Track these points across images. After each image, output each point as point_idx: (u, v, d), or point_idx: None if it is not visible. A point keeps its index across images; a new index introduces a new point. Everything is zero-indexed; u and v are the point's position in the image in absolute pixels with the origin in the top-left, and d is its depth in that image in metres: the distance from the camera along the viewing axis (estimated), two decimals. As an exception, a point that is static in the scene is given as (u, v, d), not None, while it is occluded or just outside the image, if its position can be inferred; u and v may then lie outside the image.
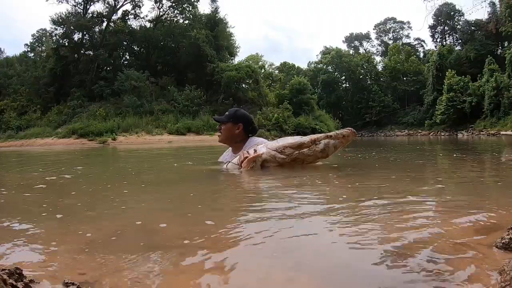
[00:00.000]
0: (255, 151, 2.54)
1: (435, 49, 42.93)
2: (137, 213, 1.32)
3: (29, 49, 40.86)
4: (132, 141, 20.34)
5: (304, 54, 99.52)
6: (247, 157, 2.50)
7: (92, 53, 28.63)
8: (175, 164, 4.07)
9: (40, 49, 39.55)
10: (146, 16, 31.39)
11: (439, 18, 43.84)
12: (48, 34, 32.83)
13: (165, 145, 15.29)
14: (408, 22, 52.74)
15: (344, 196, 1.56)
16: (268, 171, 2.42)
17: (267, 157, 2.49)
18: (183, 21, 31.34)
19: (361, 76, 47.27)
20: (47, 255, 0.86)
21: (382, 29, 53.96)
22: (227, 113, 3.09)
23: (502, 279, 0.63)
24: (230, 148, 3.08)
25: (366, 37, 55.12)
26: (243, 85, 28.66)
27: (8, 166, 4.78)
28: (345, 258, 0.79)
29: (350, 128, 2.63)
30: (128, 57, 31.69)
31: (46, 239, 0.99)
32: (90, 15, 29.14)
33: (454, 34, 44.59)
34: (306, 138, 2.53)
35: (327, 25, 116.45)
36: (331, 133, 2.60)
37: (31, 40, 42.06)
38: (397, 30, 53.24)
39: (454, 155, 4.74)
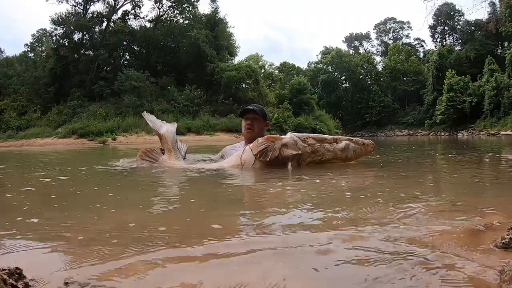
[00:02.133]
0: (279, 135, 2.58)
1: (435, 49, 42.92)
2: (136, 214, 1.32)
3: (29, 49, 40.85)
4: (132, 141, 20.33)
5: (304, 54, 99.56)
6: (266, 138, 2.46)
7: (92, 53, 28.58)
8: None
9: (40, 49, 39.52)
10: (146, 16, 31.35)
11: (439, 18, 43.82)
12: (48, 34, 32.80)
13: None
14: (408, 22, 52.78)
15: (344, 195, 1.56)
16: (267, 170, 2.41)
17: (289, 141, 2.47)
18: (183, 21, 31.32)
19: (361, 76, 47.26)
20: (46, 256, 0.86)
21: (382, 29, 53.94)
22: (256, 108, 2.88)
23: (502, 279, 0.63)
24: (239, 144, 3.01)
25: (366, 37, 55.12)
26: (243, 85, 28.65)
27: (5, 167, 4.78)
28: (344, 260, 0.79)
29: (371, 141, 2.75)
30: (128, 57, 31.65)
31: (45, 240, 0.99)
32: (90, 15, 29.11)
33: (454, 34, 44.57)
34: (329, 136, 2.66)
35: (327, 25, 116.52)
36: (352, 138, 2.73)
37: (31, 40, 42.07)
38: (397, 30, 53.24)
39: (451, 154, 4.73)
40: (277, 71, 47.72)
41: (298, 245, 0.86)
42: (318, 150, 2.51)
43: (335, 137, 2.65)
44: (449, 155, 4.78)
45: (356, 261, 0.77)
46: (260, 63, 45.08)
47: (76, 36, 28.65)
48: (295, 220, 1.13)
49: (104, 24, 29.43)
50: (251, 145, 2.54)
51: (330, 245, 0.85)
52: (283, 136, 2.51)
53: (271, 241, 0.90)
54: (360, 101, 44.86)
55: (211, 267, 0.76)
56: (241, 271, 0.73)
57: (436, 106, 34.13)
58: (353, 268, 0.74)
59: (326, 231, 0.98)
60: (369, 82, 47.22)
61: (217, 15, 30.49)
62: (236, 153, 2.69)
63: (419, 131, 36.51)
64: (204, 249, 0.85)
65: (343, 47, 52.83)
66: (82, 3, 28.91)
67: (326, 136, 2.64)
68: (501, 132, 22.35)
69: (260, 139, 2.48)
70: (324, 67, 48.51)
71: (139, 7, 30.28)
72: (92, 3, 29.18)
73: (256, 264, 0.76)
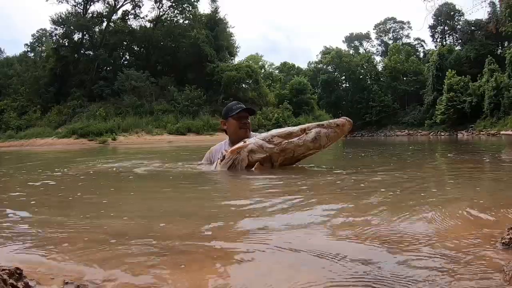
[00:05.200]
0: (244, 141, 2.42)
1: (435, 49, 42.88)
2: (133, 214, 1.32)
3: (29, 49, 40.92)
4: (132, 141, 20.34)
5: (304, 54, 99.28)
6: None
7: (92, 53, 28.61)
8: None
9: (40, 49, 39.55)
10: (146, 16, 31.36)
11: (439, 18, 43.79)
12: (48, 34, 32.85)
13: (165, 145, 15.31)
14: (408, 22, 52.63)
15: (341, 194, 1.56)
16: (260, 172, 2.40)
17: (254, 147, 2.34)
18: (183, 21, 31.33)
19: (361, 76, 47.20)
20: (46, 256, 0.86)
21: (382, 29, 53.88)
22: (243, 106, 2.79)
23: (502, 279, 0.63)
24: (223, 142, 2.94)
25: (366, 37, 55.03)
26: (243, 85, 28.66)
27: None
28: (344, 255, 0.79)
29: (345, 117, 2.46)
30: (128, 57, 31.67)
31: (44, 240, 0.99)
32: (90, 15, 29.13)
33: (454, 34, 44.54)
34: (296, 128, 2.43)
35: (327, 25, 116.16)
36: (323, 122, 2.46)
37: (31, 40, 42.14)
38: (397, 30, 53.16)
39: (450, 154, 4.74)
40: (277, 71, 47.71)
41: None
42: (287, 148, 2.34)
43: (303, 127, 2.41)
44: (451, 154, 4.77)
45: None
46: (260, 63, 45.11)
47: (76, 36, 28.70)
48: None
49: (104, 24, 29.47)
50: (219, 161, 2.51)
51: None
52: (247, 143, 2.39)
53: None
54: (360, 101, 44.81)
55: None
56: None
57: (436, 106, 34.11)
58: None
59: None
60: (369, 82, 47.16)
61: (217, 15, 30.50)
62: (211, 166, 2.69)
63: (419, 131, 36.48)
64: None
65: (343, 47, 52.74)
66: (82, 3, 28.95)
67: (293, 129, 2.41)
68: (501, 132, 22.34)
69: (226, 155, 2.41)
70: (324, 67, 48.46)
71: (139, 7, 30.35)
72: (92, 3, 29.23)
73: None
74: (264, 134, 2.46)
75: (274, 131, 2.45)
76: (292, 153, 2.37)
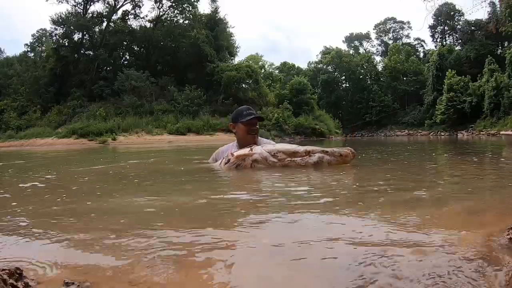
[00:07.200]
0: (251, 149, 2.53)
1: (435, 49, 42.89)
2: (133, 214, 1.32)
3: (29, 49, 40.95)
4: (132, 141, 20.33)
5: (304, 54, 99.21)
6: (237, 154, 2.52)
7: (92, 53, 28.60)
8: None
9: (40, 49, 39.57)
10: (146, 16, 31.28)
11: (439, 18, 43.80)
12: (48, 34, 32.85)
13: (166, 145, 15.31)
14: (408, 22, 52.64)
15: (341, 192, 1.56)
16: (260, 169, 2.41)
17: (258, 157, 2.47)
18: (183, 21, 31.30)
19: (361, 76, 47.21)
20: (46, 256, 0.86)
21: (382, 29, 53.89)
22: (253, 112, 2.88)
23: (501, 279, 0.63)
24: (231, 144, 3.01)
25: (366, 37, 55.04)
26: (243, 85, 28.63)
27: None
28: (342, 256, 0.79)
29: (350, 149, 2.59)
30: (128, 57, 31.63)
31: (44, 240, 0.99)
32: (90, 15, 29.12)
33: (454, 34, 44.57)
34: (301, 148, 2.55)
35: (327, 25, 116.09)
36: (327, 149, 2.59)
37: (31, 40, 42.18)
38: (397, 30, 53.18)
39: (449, 154, 4.73)
40: (277, 71, 47.70)
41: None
42: (288, 165, 2.48)
43: (308, 149, 2.54)
44: (450, 153, 4.77)
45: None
46: (260, 63, 45.09)
47: (76, 36, 28.70)
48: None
49: (104, 24, 29.46)
50: (224, 162, 2.61)
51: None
52: (253, 152, 2.49)
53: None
54: (360, 101, 44.82)
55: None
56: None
57: (436, 106, 34.13)
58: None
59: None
60: (369, 82, 47.16)
61: (217, 15, 30.48)
62: (216, 163, 2.85)
63: (419, 131, 36.50)
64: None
65: (343, 47, 52.75)
66: (82, 3, 28.94)
67: (298, 149, 2.54)
68: (501, 132, 22.35)
69: (231, 159, 2.52)
70: (324, 67, 48.47)
71: (139, 7, 30.32)
72: (92, 3, 29.22)
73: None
74: (270, 147, 2.57)
75: (280, 146, 2.57)
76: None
